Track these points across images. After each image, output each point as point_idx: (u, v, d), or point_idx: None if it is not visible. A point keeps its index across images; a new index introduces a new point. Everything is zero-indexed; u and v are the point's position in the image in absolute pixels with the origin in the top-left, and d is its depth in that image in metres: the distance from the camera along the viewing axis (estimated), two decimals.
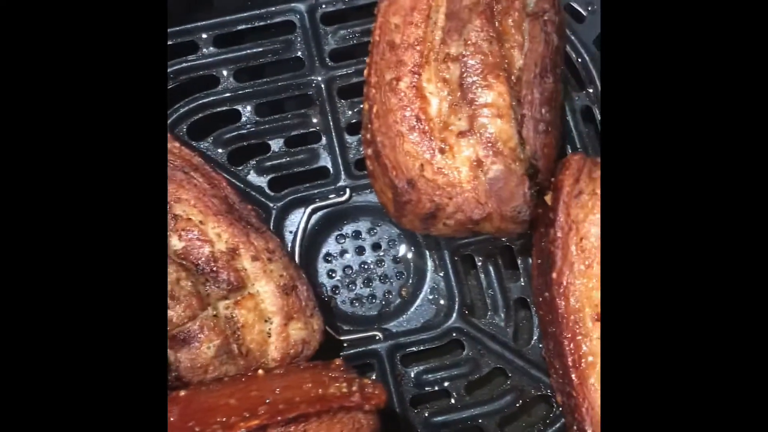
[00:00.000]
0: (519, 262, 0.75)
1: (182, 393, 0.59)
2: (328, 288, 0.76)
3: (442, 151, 0.67)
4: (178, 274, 0.63)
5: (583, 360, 0.63)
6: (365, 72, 0.72)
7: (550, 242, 0.66)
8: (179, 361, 0.62)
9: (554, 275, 0.64)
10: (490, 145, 0.66)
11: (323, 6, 0.81)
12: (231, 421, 0.55)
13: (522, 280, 0.75)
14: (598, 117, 0.79)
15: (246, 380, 0.60)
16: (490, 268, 0.75)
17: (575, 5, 0.82)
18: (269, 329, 0.64)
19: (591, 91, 0.79)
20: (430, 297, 0.75)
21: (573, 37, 0.81)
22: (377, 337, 0.73)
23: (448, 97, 0.68)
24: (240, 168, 0.77)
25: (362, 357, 0.72)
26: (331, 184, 0.77)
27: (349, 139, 0.78)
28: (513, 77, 0.68)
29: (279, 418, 0.54)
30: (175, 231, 0.64)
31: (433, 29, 0.70)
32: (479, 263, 0.75)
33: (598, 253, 0.64)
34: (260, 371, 0.62)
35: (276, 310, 0.65)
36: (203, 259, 0.63)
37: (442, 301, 0.74)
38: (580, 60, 0.80)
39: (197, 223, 0.64)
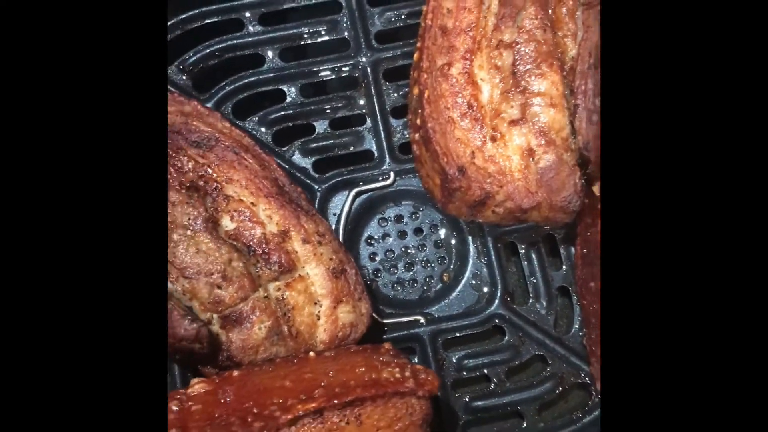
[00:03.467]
0: (561, 250, 0.75)
1: (235, 373, 0.60)
2: (370, 271, 0.77)
3: (493, 139, 0.67)
4: (230, 254, 0.63)
5: None
6: (415, 56, 0.72)
7: (599, 233, 0.66)
8: (231, 341, 0.63)
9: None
10: (542, 134, 0.66)
11: None
12: (288, 403, 0.55)
13: (564, 268, 0.75)
14: None
15: (298, 362, 0.61)
16: (533, 256, 0.75)
17: None
18: (318, 312, 0.65)
19: None
20: (472, 283, 0.75)
21: None
22: (420, 322, 0.73)
23: (500, 84, 0.68)
24: (285, 149, 0.77)
25: (405, 341, 0.73)
26: (376, 168, 0.77)
27: (394, 122, 0.78)
28: (566, 66, 0.68)
29: (335, 401, 0.55)
30: (227, 212, 0.64)
31: (486, 15, 0.70)
32: (522, 251, 0.76)
33: None
34: (311, 353, 0.62)
35: (325, 293, 0.65)
36: (255, 240, 0.64)
37: (484, 288, 0.75)
38: None
39: (249, 205, 0.64)
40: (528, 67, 0.68)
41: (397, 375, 0.58)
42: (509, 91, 0.68)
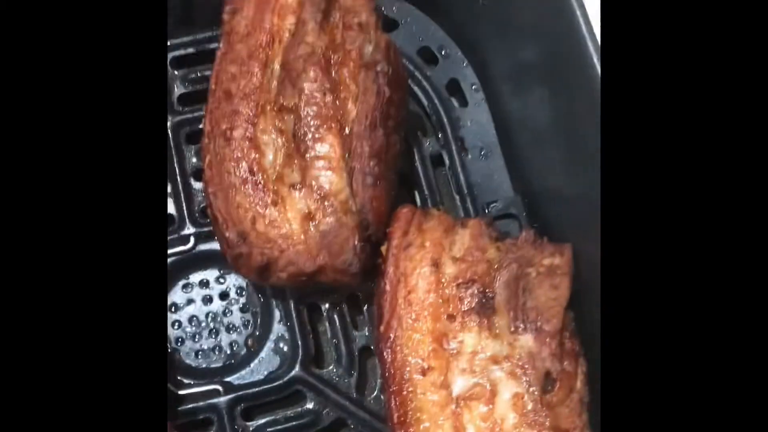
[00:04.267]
0: (365, 309, 0.75)
1: None
2: (172, 340, 0.74)
3: (274, 203, 0.67)
4: None
5: (409, 415, 0.62)
6: (203, 121, 0.71)
7: (380, 295, 0.65)
8: None
9: (382, 328, 0.64)
10: (321, 197, 0.66)
11: (173, 51, 0.80)
12: None
13: (367, 329, 0.74)
14: (447, 163, 0.79)
15: None
16: (335, 317, 0.74)
17: (431, 48, 0.82)
18: None
19: (441, 136, 0.80)
20: (276, 347, 0.74)
21: (425, 82, 0.81)
22: (218, 391, 0.71)
23: (282, 148, 0.68)
24: None
25: (202, 412, 0.70)
26: (175, 232, 0.75)
27: (195, 185, 0.77)
28: (347, 129, 0.68)
29: None
30: None
31: (270, 79, 0.70)
32: (325, 312, 0.75)
33: (425, 306, 0.64)
34: None
35: None
36: None
37: (286, 350, 0.73)
38: (430, 105, 0.80)
39: None
40: (308, 130, 0.67)
41: None
42: (291, 155, 0.67)
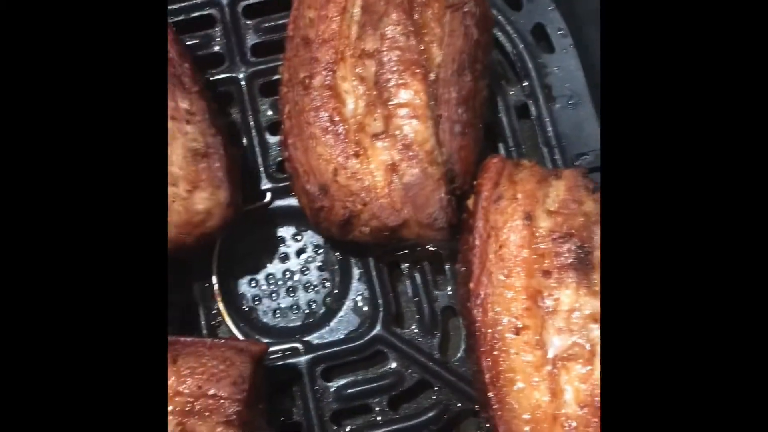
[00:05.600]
0: (447, 269, 0.71)
1: None
2: (249, 298, 0.72)
3: (356, 155, 0.63)
4: None
5: (501, 377, 0.59)
6: (280, 69, 0.68)
7: (469, 250, 0.62)
8: None
9: (471, 285, 0.60)
10: (405, 147, 0.62)
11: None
12: None
13: (449, 288, 0.71)
14: (534, 113, 0.74)
15: None
16: (417, 276, 0.71)
17: None
18: (174, 193, 0.61)
19: (526, 84, 0.75)
20: (355, 306, 0.71)
21: (508, 27, 0.76)
22: (298, 350, 0.69)
23: (364, 96, 0.64)
24: None
25: (282, 371, 0.68)
26: (253, 188, 0.72)
27: (271, 139, 0.74)
28: (432, 74, 0.64)
29: None
30: None
31: (350, 24, 0.66)
32: (406, 271, 0.71)
33: (518, 261, 0.60)
34: None
35: (182, 175, 0.61)
36: None
37: (366, 309, 0.71)
38: (515, 52, 0.76)
39: None
40: (391, 76, 0.64)
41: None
42: (373, 103, 0.64)
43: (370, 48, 0.65)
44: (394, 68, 0.64)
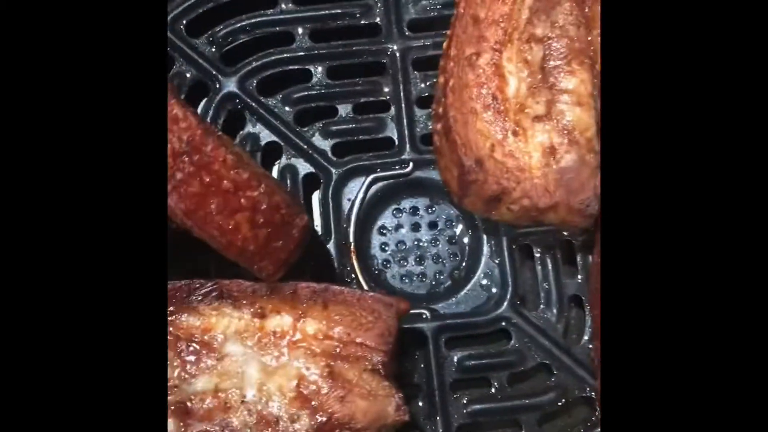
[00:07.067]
0: (578, 258, 0.73)
1: None
2: (379, 261, 0.75)
3: (515, 134, 0.65)
4: None
5: None
6: (445, 44, 0.70)
7: None
8: None
9: None
10: (566, 132, 0.64)
11: None
12: None
13: (579, 277, 0.72)
14: None
15: None
16: (548, 261, 0.73)
17: None
18: None
19: None
20: (483, 283, 0.73)
21: None
22: (424, 316, 0.71)
23: (527, 78, 0.66)
24: (306, 129, 0.76)
25: (407, 334, 0.71)
26: (395, 156, 0.75)
27: (418, 112, 0.76)
28: (597, 66, 0.65)
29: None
30: None
31: (520, 7, 0.68)
32: (537, 254, 0.73)
33: None
34: None
35: None
36: None
37: (494, 289, 0.73)
38: None
39: None
40: (558, 63, 0.66)
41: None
42: (536, 87, 0.65)
43: (539, 33, 0.66)
44: (562, 55, 0.65)
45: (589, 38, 0.66)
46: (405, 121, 0.76)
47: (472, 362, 0.70)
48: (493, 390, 0.70)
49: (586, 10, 0.67)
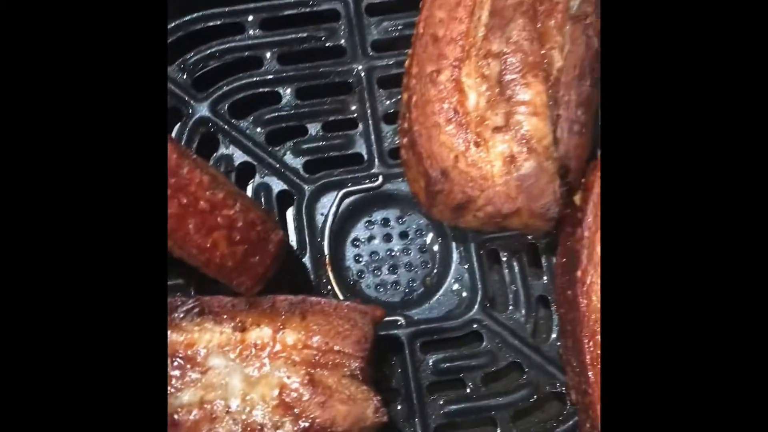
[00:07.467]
0: (543, 260, 0.76)
1: None
2: (354, 272, 0.78)
3: (477, 145, 0.69)
4: None
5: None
6: (407, 63, 0.74)
7: (577, 241, 0.67)
8: None
9: (579, 273, 0.66)
10: (524, 141, 0.68)
11: None
12: None
13: (544, 278, 0.76)
14: None
15: None
16: (515, 264, 0.76)
17: None
18: None
19: None
20: (454, 288, 0.76)
21: None
22: (399, 322, 0.74)
23: (486, 92, 0.70)
24: (277, 148, 0.79)
25: (384, 341, 0.73)
26: (365, 170, 0.78)
27: (385, 127, 0.80)
28: (551, 78, 0.69)
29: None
30: None
31: (477, 25, 0.72)
32: (504, 258, 0.76)
33: None
34: None
35: None
36: None
37: (464, 293, 0.76)
38: None
39: None
40: (514, 76, 0.69)
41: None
42: (495, 99, 0.69)
43: (495, 49, 0.70)
44: (518, 69, 0.69)
45: (543, 52, 0.70)
46: (373, 137, 0.79)
47: (447, 364, 0.73)
48: (468, 390, 0.73)
49: (539, 26, 0.71)
